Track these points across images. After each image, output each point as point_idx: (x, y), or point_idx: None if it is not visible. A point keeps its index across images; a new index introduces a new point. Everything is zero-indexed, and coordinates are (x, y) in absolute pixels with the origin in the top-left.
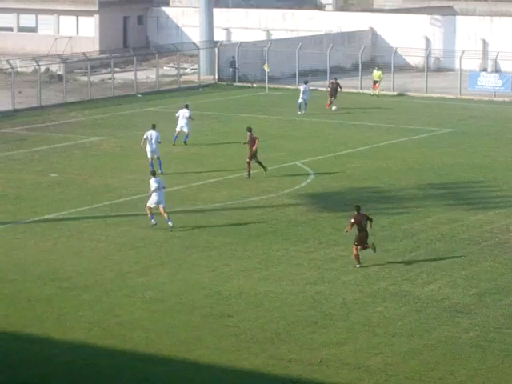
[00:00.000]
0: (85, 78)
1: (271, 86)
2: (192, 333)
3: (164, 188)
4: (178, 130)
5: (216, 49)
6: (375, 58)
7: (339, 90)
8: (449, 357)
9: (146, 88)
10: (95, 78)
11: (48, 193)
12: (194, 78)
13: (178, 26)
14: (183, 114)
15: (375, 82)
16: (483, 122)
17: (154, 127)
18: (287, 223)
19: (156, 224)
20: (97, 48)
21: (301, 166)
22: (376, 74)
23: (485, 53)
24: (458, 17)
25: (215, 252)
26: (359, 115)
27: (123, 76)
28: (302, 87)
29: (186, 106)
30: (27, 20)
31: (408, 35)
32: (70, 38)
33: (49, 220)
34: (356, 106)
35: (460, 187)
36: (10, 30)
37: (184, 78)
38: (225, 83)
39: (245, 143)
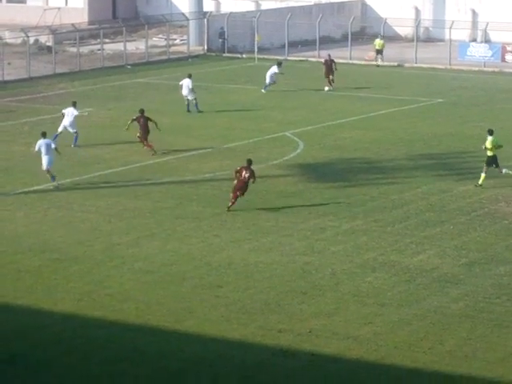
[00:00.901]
0: (74, 49)
1: (260, 56)
2: (182, 303)
3: (55, 149)
4: (185, 98)
5: (205, 19)
6: (365, 28)
7: (334, 68)
8: (438, 327)
9: (135, 59)
10: (84, 49)
11: (37, 164)
12: (184, 48)
13: None
14: (186, 83)
15: (378, 52)
16: (473, 93)
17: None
18: (277, 194)
19: (59, 185)
20: (86, 19)
21: (290, 136)
22: (379, 42)
23: (474, 23)
24: None
25: (205, 223)
26: (349, 86)
27: (112, 47)
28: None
29: (189, 76)
30: None
31: (397, 5)
32: (59, 9)
33: (38, 191)
34: (346, 76)
35: (450, 157)
36: None
37: (173, 48)
38: (214, 54)
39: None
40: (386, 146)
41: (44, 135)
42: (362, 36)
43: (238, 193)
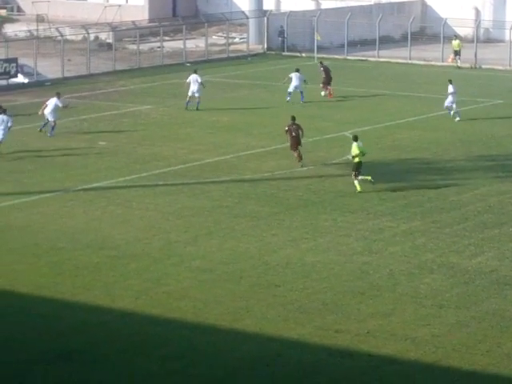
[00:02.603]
0: (134, 47)
1: (320, 55)
2: (239, 302)
3: (10, 126)
4: (189, 94)
5: (265, 18)
6: (425, 28)
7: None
8: (496, 329)
9: (194, 57)
10: (144, 47)
11: (97, 161)
12: (243, 47)
13: None
14: (194, 79)
15: (456, 53)
16: None
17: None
18: (335, 194)
19: None
20: (146, 16)
21: (349, 136)
22: (455, 43)
23: None
24: None
25: (262, 222)
26: (408, 86)
27: (172, 45)
28: (292, 75)
29: (195, 71)
30: None
31: (458, 6)
32: (120, 6)
33: (97, 188)
34: (405, 76)
35: (509, 159)
36: None
37: (233, 47)
38: (273, 53)
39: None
40: (444, 147)
41: (4, 111)
42: (421, 36)
43: (295, 147)
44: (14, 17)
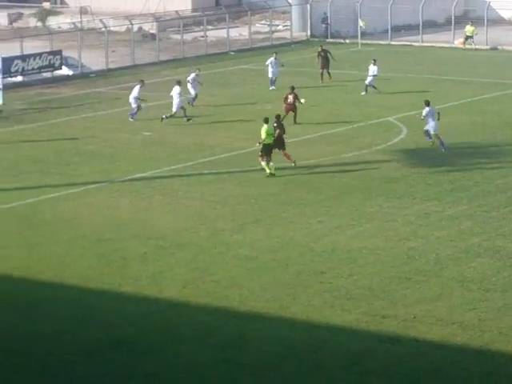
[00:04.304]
0: (177, 37)
1: (364, 41)
2: (286, 290)
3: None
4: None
5: (308, 5)
6: (468, 11)
7: (330, 58)
8: None
9: (238, 45)
10: (188, 37)
11: (142, 151)
12: (287, 34)
13: None
14: (176, 91)
15: (467, 37)
16: None
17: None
18: (380, 179)
19: None
20: (189, 6)
21: (393, 121)
22: (469, 29)
23: None
24: None
25: (308, 209)
26: (452, 70)
27: (215, 34)
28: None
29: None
30: None
31: None
32: None
33: (143, 178)
34: (449, 60)
35: None
36: None
37: (276, 34)
38: (317, 39)
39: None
40: (490, 130)
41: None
42: (465, 20)
43: (287, 113)
44: (58, 9)
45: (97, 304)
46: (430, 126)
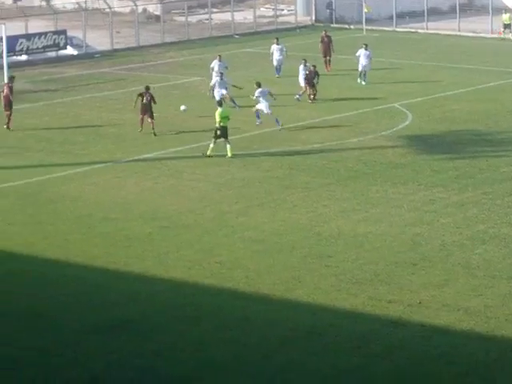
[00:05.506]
0: (182, 19)
1: (368, 27)
2: (292, 272)
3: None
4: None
5: None
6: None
7: (332, 49)
8: None
9: (243, 29)
10: (192, 19)
11: (148, 132)
12: (291, 19)
13: None
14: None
15: (506, 26)
16: None
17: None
18: (386, 165)
19: None
20: None
21: (399, 107)
22: (506, 17)
23: None
24: None
25: (314, 193)
26: (457, 58)
27: (220, 17)
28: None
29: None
30: None
31: None
32: None
33: (148, 159)
34: (454, 48)
35: None
36: None
37: (281, 19)
38: (322, 24)
39: None
40: (495, 118)
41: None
42: (469, 7)
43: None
44: None
45: (102, 283)
46: (264, 105)
